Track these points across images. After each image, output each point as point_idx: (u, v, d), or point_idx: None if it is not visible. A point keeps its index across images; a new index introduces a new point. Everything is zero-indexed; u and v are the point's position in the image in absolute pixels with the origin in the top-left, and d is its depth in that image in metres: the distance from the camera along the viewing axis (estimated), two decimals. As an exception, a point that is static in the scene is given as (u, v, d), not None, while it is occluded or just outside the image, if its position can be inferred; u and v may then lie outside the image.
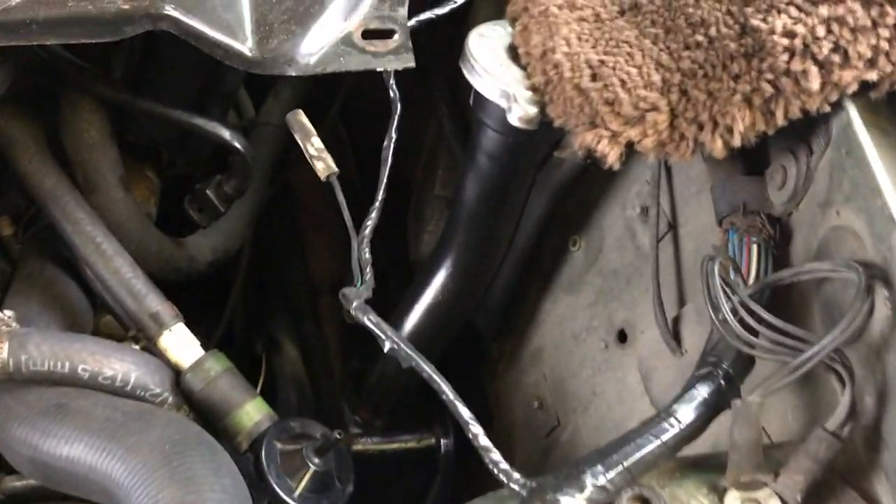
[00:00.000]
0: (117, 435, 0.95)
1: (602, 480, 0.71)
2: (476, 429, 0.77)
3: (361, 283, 0.92)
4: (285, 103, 1.56)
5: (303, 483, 1.03)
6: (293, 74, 0.96)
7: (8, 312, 1.04)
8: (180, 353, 1.09)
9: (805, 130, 0.86)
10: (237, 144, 1.20)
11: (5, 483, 1.27)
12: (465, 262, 1.16)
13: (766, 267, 0.88)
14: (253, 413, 1.07)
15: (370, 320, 0.84)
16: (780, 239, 0.90)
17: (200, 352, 1.10)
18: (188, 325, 1.61)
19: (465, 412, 0.78)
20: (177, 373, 1.09)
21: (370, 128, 1.64)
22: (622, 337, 1.11)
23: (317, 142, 1.05)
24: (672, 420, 0.76)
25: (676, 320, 1.01)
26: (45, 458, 0.98)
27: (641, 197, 1.10)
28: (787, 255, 0.91)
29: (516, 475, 0.75)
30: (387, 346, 0.82)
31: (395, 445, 1.29)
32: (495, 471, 0.76)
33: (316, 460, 1.04)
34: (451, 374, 1.33)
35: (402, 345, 0.82)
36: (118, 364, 1.05)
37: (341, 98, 1.53)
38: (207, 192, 1.25)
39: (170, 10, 0.89)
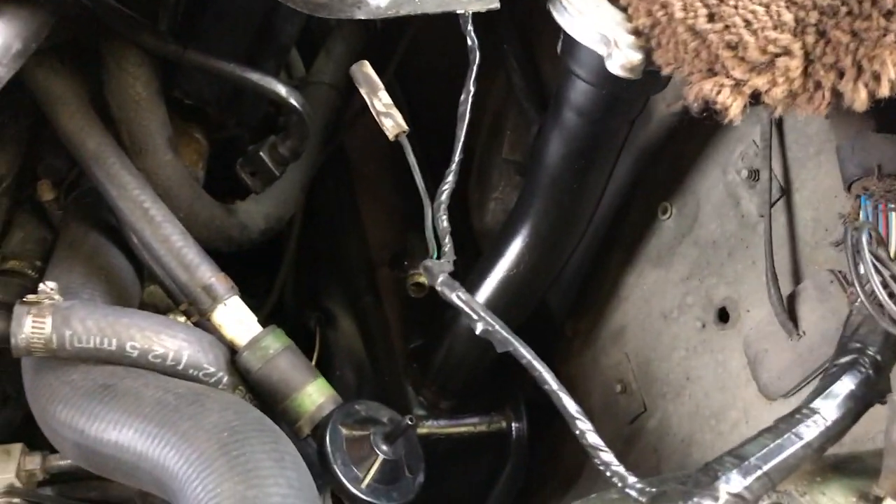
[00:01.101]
0: (170, 420, 0.86)
1: (738, 487, 0.61)
2: (584, 425, 0.68)
3: (439, 254, 0.82)
4: (338, 60, 1.46)
5: (371, 472, 0.94)
6: (362, 18, 0.85)
7: (50, 284, 0.96)
8: (236, 330, 1.00)
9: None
10: (294, 102, 1.10)
11: (49, 462, 1.20)
12: (544, 232, 1.05)
13: (905, 244, 0.76)
14: (315, 395, 0.98)
15: (460, 298, 0.74)
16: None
17: (258, 328, 1.00)
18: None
19: (571, 405, 0.68)
20: (232, 350, 1.00)
21: (425, 86, 1.55)
22: (723, 316, 1.00)
23: (384, 96, 0.95)
24: (817, 417, 0.65)
25: (792, 298, 0.89)
26: (91, 442, 0.90)
27: (747, 159, 0.98)
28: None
29: (632, 478, 0.65)
30: (479, 328, 0.72)
31: (463, 429, 1.19)
32: (607, 473, 0.66)
33: (385, 448, 0.95)
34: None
35: (497, 326, 0.71)
36: (169, 341, 0.96)
37: (401, 52, 1.42)
38: (261, 154, 1.15)
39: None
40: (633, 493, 0.64)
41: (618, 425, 1.14)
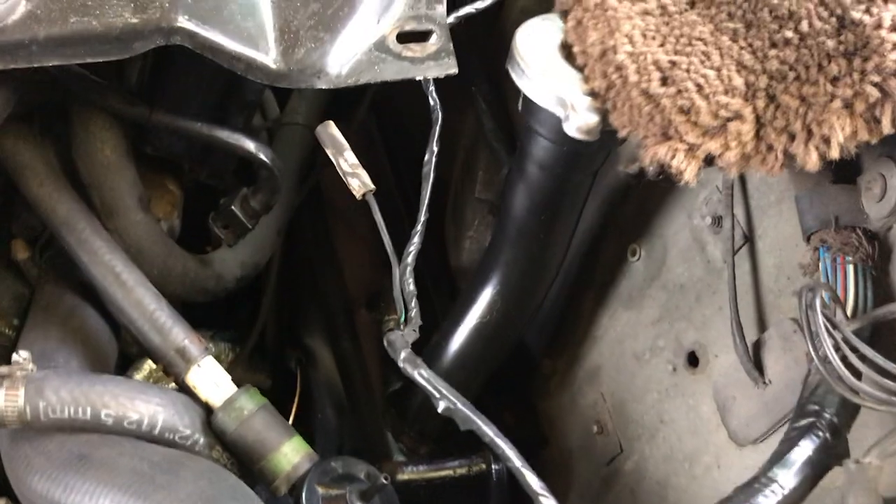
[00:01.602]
0: (144, 491, 0.87)
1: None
2: (549, 502, 0.68)
3: (405, 321, 0.83)
4: (312, 100, 1.46)
5: (348, 534, 0.95)
6: (323, 87, 0.86)
7: (23, 354, 0.96)
8: (210, 391, 1.00)
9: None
10: (264, 157, 1.10)
11: None
12: (514, 280, 1.06)
13: (866, 292, 0.77)
14: (291, 455, 0.98)
15: (421, 375, 0.75)
16: (878, 258, 0.80)
17: (232, 388, 1.01)
18: (217, 336, 1.56)
19: (534, 481, 0.69)
20: (208, 411, 1.01)
21: (403, 118, 1.56)
22: (692, 360, 1.01)
23: (350, 157, 0.96)
24: (774, 486, 0.66)
25: (757, 345, 0.90)
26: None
27: (711, 205, 0.99)
28: (886, 277, 0.80)
29: None
30: (441, 407, 0.73)
31: (443, 473, 1.19)
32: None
33: (360, 506, 0.96)
34: (501, 390, 1.25)
35: (458, 404, 0.72)
36: (144, 406, 0.96)
37: (371, 94, 1.43)
38: (233, 208, 1.16)
39: (183, 23, 0.80)
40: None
41: (595, 466, 1.15)
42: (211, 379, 1.01)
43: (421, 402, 1.20)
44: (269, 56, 0.84)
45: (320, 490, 0.96)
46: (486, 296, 1.08)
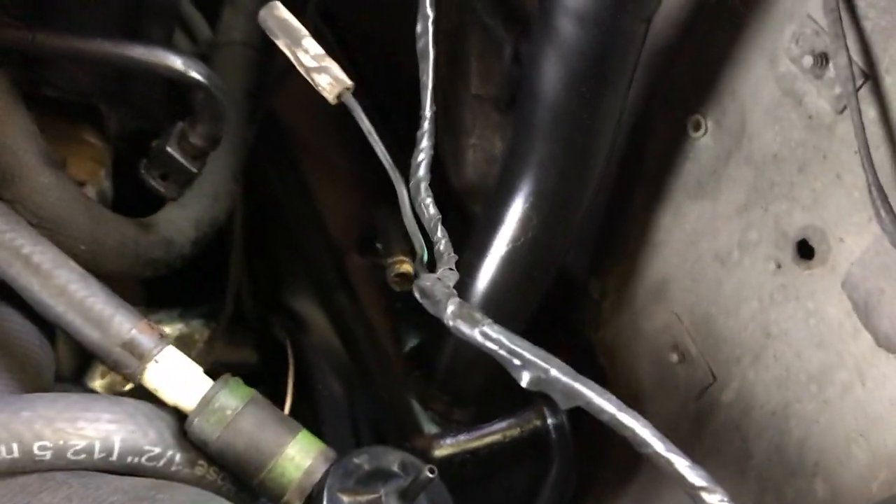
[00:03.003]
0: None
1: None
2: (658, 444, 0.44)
3: (431, 259, 0.58)
4: (249, 11, 1.19)
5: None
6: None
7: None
8: (177, 391, 0.75)
9: None
10: (196, 74, 0.83)
11: None
12: (552, 184, 0.81)
13: None
14: (299, 457, 0.74)
15: (487, 336, 0.49)
16: None
17: (207, 382, 0.76)
18: (186, 313, 1.31)
19: (688, 470, 0.44)
20: (181, 418, 0.75)
21: (358, 18, 1.28)
22: (805, 251, 0.76)
23: (312, 45, 0.69)
24: None
25: (906, 219, 0.66)
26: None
27: (805, 40, 0.73)
28: None
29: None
30: (527, 379, 0.49)
31: (490, 439, 0.96)
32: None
33: (397, 505, 0.72)
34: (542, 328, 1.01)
35: (555, 371, 0.48)
36: (91, 428, 0.71)
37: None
38: (168, 149, 0.88)
39: None
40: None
41: (680, 403, 0.91)
42: (175, 375, 0.75)
43: (451, 358, 0.95)
44: None
45: (345, 499, 0.72)
46: (515, 212, 0.83)
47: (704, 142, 0.85)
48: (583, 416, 0.98)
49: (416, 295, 0.56)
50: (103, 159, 1.04)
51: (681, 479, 0.45)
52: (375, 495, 0.72)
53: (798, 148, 0.76)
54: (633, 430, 0.47)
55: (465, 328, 0.51)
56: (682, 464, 0.45)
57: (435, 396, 0.97)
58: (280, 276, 1.27)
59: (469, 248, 0.89)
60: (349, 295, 1.10)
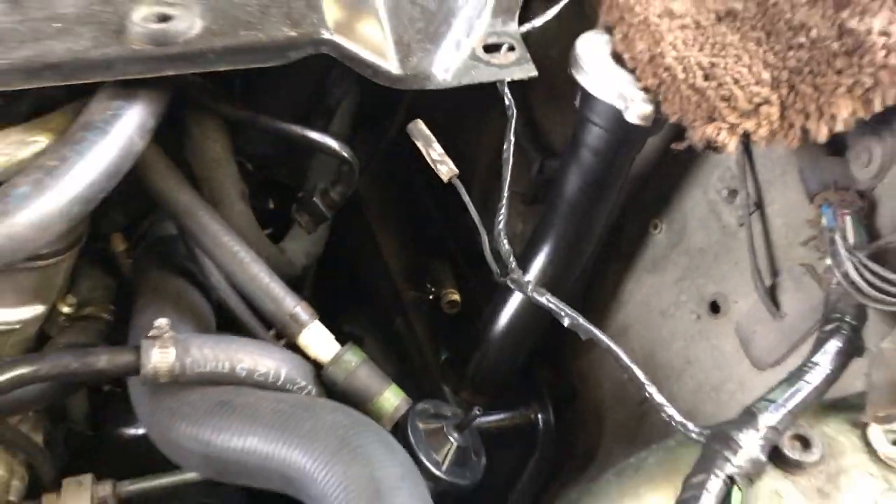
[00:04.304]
0: (290, 424, 1.04)
1: (772, 422, 0.84)
2: (651, 388, 0.89)
3: (505, 272, 1.04)
4: (342, 115, 1.66)
5: (448, 457, 1.14)
6: (432, 88, 1.06)
7: (163, 321, 1.12)
8: (320, 349, 1.18)
9: (891, 115, 0.99)
10: (346, 155, 1.29)
11: (118, 488, 1.36)
12: (563, 249, 1.27)
13: (861, 234, 1.01)
14: (392, 399, 1.17)
15: (549, 301, 0.96)
16: (866, 210, 1.04)
17: (337, 346, 1.19)
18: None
19: (640, 374, 0.90)
20: (318, 366, 1.18)
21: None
22: (714, 308, 1.24)
23: (437, 147, 1.16)
24: (818, 368, 0.88)
25: (772, 288, 1.14)
26: (218, 452, 1.06)
27: (725, 181, 1.23)
28: (873, 224, 1.04)
29: (692, 425, 0.87)
30: (567, 322, 0.94)
31: (498, 422, 1.40)
32: (673, 423, 0.88)
33: (456, 436, 1.15)
34: (539, 352, 1.46)
35: (580, 320, 0.93)
36: (269, 361, 1.14)
37: (405, 104, 1.63)
38: (315, 200, 1.35)
39: (329, 36, 0.99)
40: (694, 436, 0.86)
41: (628, 409, 1.36)
42: (319, 339, 1.19)
43: (477, 364, 1.40)
44: (391, 64, 1.04)
45: (421, 425, 1.15)
46: (538, 264, 1.29)
47: (659, 237, 1.34)
48: (562, 418, 1.43)
49: (511, 284, 1.02)
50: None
51: (636, 377, 0.90)
52: (440, 425, 1.15)
53: (715, 245, 1.25)
54: (616, 352, 0.92)
55: (537, 296, 0.96)
56: (636, 369, 0.90)
57: (463, 388, 1.41)
58: (338, 304, 1.71)
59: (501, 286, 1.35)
60: (405, 318, 1.55)
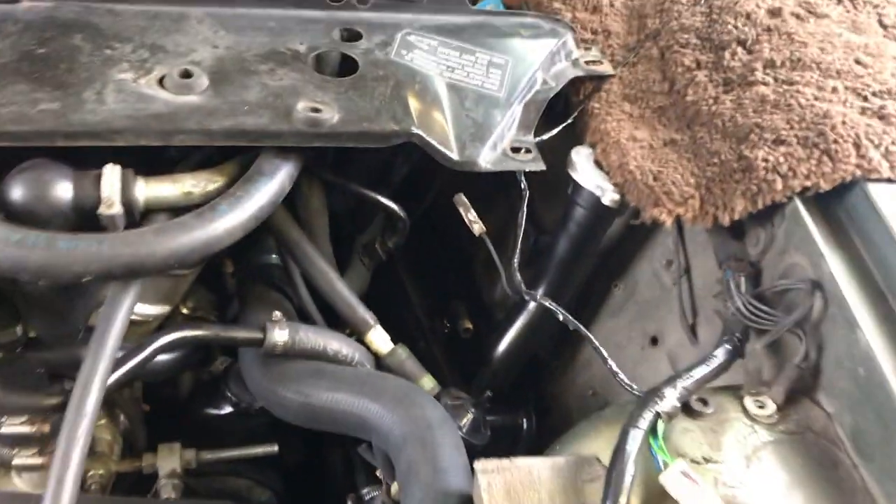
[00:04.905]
0: (367, 384, 1.52)
1: (686, 385, 1.35)
2: (615, 367, 1.41)
3: (523, 291, 1.57)
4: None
5: (467, 425, 1.63)
6: (478, 171, 1.61)
7: (278, 313, 1.62)
8: (381, 344, 1.68)
9: (772, 211, 1.55)
10: (402, 214, 1.83)
11: (200, 456, 1.83)
12: (552, 294, 1.80)
13: (748, 286, 1.56)
14: (429, 382, 1.66)
15: (554, 305, 1.48)
16: (755, 273, 1.60)
17: (391, 345, 1.69)
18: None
19: (612, 364, 1.42)
20: (376, 357, 1.68)
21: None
22: (654, 342, 1.77)
23: (473, 212, 1.70)
24: (716, 359, 1.41)
25: (693, 325, 1.68)
26: (313, 402, 1.54)
27: (664, 254, 1.79)
28: (758, 282, 1.60)
29: (636, 386, 1.39)
30: (561, 317, 1.47)
31: (494, 421, 1.89)
32: (623, 385, 1.39)
33: (473, 411, 1.64)
34: (523, 382, 1.97)
35: (579, 326, 1.46)
36: (348, 348, 1.63)
37: (439, 183, 2.17)
38: (376, 246, 1.87)
39: (416, 130, 1.54)
40: (637, 393, 1.38)
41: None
42: (380, 338, 1.69)
43: (485, 378, 1.90)
44: (453, 153, 1.59)
45: (448, 401, 1.64)
46: (530, 308, 1.82)
47: (618, 293, 1.88)
48: (540, 425, 1.95)
49: (523, 295, 1.54)
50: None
51: (605, 361, 1.41)
52: (461, 401, 1.64)
53: (656, 298, 1.79)
54: (590, 339, 1.44)
55: (546, 302, 1.49)
56: (612, 362, 1.41)
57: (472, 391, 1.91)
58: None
59: (505, 321, 1.86)
60: (427, 344, 2.05)
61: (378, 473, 1.61)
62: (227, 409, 1.93)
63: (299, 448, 2.08)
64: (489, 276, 2.12)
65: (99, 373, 1.29)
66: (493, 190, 2.04)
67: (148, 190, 1.43)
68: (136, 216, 1.43)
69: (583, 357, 1.93)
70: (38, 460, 1.67)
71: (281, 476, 2.01)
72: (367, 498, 1.89)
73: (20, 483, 1.67)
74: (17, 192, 1.36)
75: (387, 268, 2.18)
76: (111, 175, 1.39)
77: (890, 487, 1.24)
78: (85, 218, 1.39)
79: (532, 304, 1.82)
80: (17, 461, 1.65)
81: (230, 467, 1.95)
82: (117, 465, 1.84)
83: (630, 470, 1.19)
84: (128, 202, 1.40)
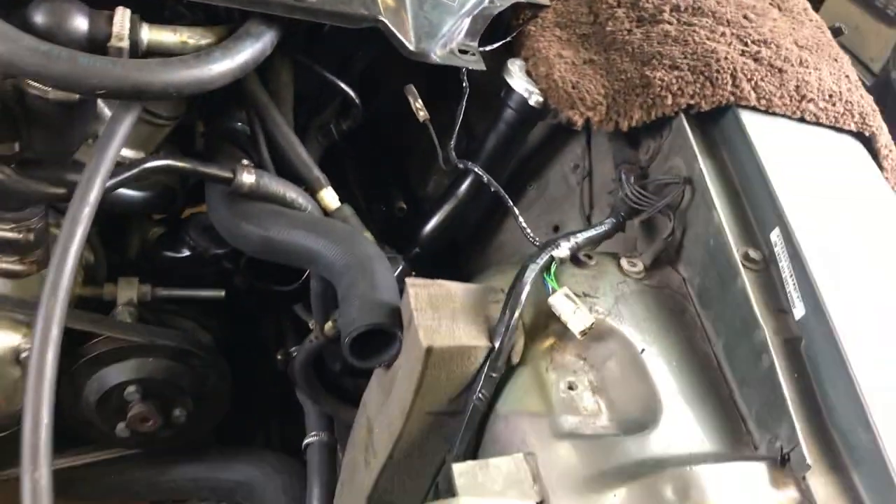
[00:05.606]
0: (318, 226, 1.82)
1: (577, 240, 1.69)
2: (523, 223, 1.75)
3: (459, 162, 1.90)
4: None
5: (397, 273, 1.94)
6: (431, 63, 1.92)
7: (245, 161, 1.91)
8: (329, 200, 1.97)
9: (661, 125, 1.91)
10: (357, 101, 2.12)
11: (155, 291, 2.10)
12: (479, 186, 2.13)
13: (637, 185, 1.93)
14: (369, 236, 1.96)
15: (484, 175, 1.81)
16: (643, 175, 1.96)
17: (339, 203, 1.99)
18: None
19: (521, 220, 1.76)
20: (325, 212, 1.98)
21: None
22: (556, 229, 2.12)
23: (420, 102, 2.01)
24: (603, 227, 1.76)
25: (589, 216, 2.03)
26: (272, 236, 1.82)
27: (573, 159, 2.14)
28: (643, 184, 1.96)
29: (538, 240, 1.73)
30: (493, 188, 1.80)
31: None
32: (528, 237, 1.73)
33: (404, 263, 1.96)
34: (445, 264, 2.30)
35: (500, 190, 1.79)
36: (303, 198, 1.92)
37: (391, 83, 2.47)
38: (331, 127, 2.17)
39: (382, 18, 1.84)
40: (537, 242, 1.72)
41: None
42: (329, 196, 1.98)
43: (422, 232, 2.22)
44: (410, 44, 1.89)
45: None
46: (463, 188, 2.14)
47: (532, 192, 2.22)
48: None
49: (460, 166, 1.87)
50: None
51: (513, 212, 1.75)
52: (394, 256, 1.96)
53: (563, 196, 2.14)
54: (507, 200, 1.77)
55: (476, 168, 1.82)
56: (508, 199, 1.75)
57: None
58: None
59: (441, 200, 2.19)
60: (364, 223, 2.35)
61: (311, 325, 1.92)
62: (185, 253, 2.19)
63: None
64: (423, 171, 2.44)
65: (101, 170, 1.55)
66: (438, 100, 2.35)
67: (151, 34, 1.69)
68: (139, 55, 1.69)
69: (497, 241, 2.27)
70: (19, 267, 1.90)
71: (224, 324, 2.29)
72: (293, 354, 2.20)
73: (-1, 285, 1.91)
74: (39, 17, 1.60)
75: (333, 157, 2.47)
76: (122, 15, 1.64)
77: (720, 327, 1.62)
78: (96, 51, 1.64)
79: (459, 191, 2.15)
80: (-1, 265, 1.88)
81: (179, 308, 2.22)
82: (81, 289, 2.09)
83: (525, 291, 1.53)
84: (134, 41, 1.65)
